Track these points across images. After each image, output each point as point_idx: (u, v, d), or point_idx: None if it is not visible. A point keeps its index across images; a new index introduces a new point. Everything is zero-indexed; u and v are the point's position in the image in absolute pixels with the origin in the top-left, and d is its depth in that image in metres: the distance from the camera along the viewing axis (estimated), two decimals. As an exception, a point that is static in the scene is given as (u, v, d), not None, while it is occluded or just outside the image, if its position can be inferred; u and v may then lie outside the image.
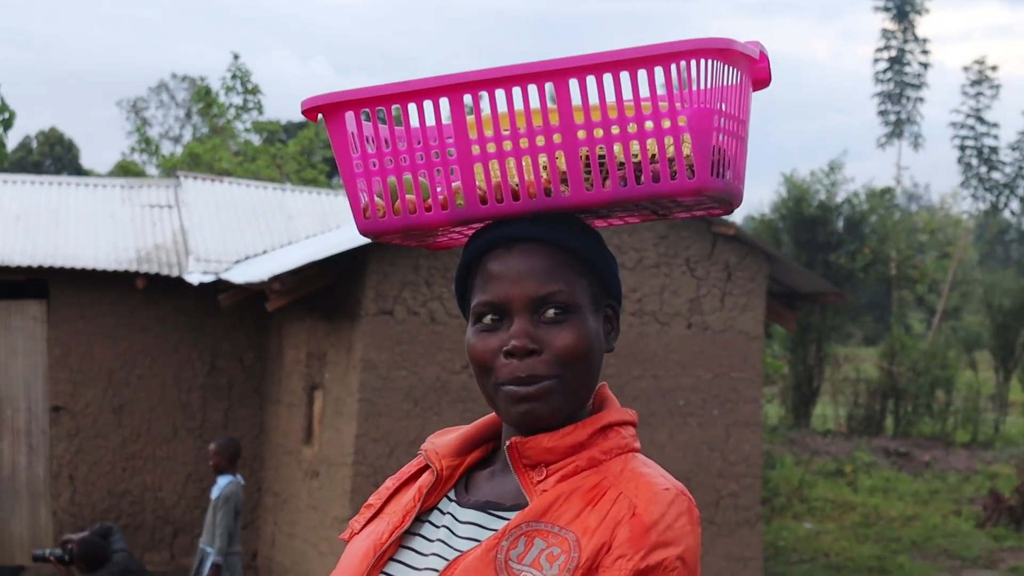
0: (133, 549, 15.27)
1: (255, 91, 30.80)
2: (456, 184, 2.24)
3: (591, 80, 2.14)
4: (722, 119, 2.17)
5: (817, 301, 16.10)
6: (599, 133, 2.16)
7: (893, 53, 59.18)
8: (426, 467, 2.31)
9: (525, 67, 2.16)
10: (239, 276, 14.45)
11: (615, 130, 2.15)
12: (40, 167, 54.71)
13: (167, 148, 51.38)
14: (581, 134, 2.16)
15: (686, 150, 2.13)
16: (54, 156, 57.62)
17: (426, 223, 2.26)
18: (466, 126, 2.22)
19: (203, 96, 30.99)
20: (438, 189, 2.27)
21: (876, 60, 59.99)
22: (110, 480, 15.64)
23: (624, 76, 2.13)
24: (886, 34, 59.21)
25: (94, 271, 15.24)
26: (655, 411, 13.19)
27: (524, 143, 2.19)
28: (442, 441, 2.32)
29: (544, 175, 2.19)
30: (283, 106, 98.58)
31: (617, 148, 2.16)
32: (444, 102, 2.22)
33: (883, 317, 40.23)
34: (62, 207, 17.14)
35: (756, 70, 2.27)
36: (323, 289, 13.14)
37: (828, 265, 27.24)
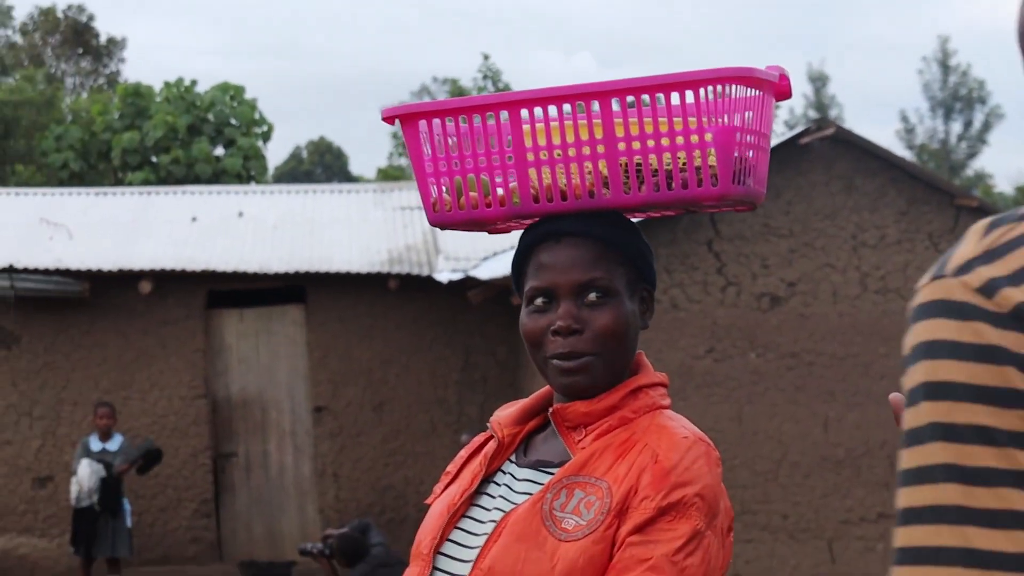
0: (397, 542, 15.63)
1: (506, 90, 31.21)
2: (513, 184, 2.56)
3: (631, 100, 2.48)
4: (745, 135, 2.50)
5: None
6: (637, 145, 2.48)
7: None
8: (492, 436, 2.62)
9: (574, 88, 2.52)
10: (486, 272, 14.69)
11: (651, 143, 2.49)
12: (311, 176, 56.14)
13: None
14: (621, 146, 2.49)
15: (711, 161, 2.46)
16: (324, 164, 59.06)
17: (486, 217, 2.61)
18: (523, 135, 2.54)
19: (457, 97, 31.54)
20: (498, 189, 2.58)
21: None
22: (372, 476, 16.06)
23: (660, 97, 2.52)
24: None
25: (348, 274, 15.68)
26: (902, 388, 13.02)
27: (572, 152, 2.52)
28: (505, 413, 2.63)
29: (588, 179, 2.50)
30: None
31: (652, 159, 2.48)
32: (504, 114, 2.56)
33: None
34: (316, 215, 17.69)
35: (779, 88, 2.59)
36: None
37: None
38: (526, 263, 2.56)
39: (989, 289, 1.30)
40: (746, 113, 2.50)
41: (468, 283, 15.26)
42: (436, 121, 2.59)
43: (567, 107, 2.52)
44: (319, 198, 18.77)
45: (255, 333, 16.18)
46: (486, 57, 31.17)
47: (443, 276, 15.45)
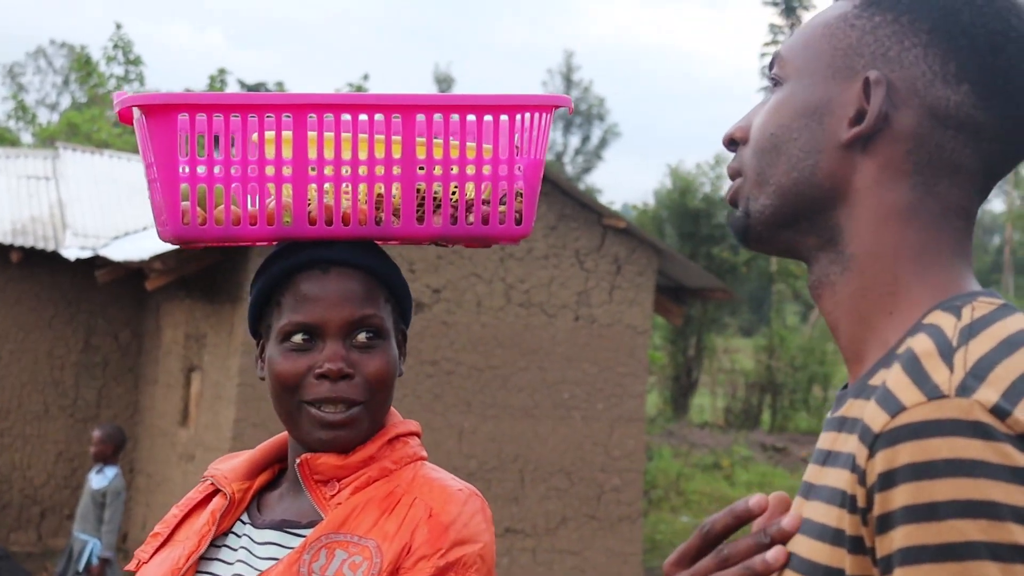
0: (-1, 529, 14.89)
1: (137, 62, 30.20)
2: (287, 200, 2.22)
3: (438, 118, 2.25)
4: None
5: (704, 296, 16.03)
6: (439, 171, 2.22)
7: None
8: (214, 493, 2.34)
9: (373, 97, 2.22)
10: (118, 253, 14.11)
11: (454, 170, 2.21)
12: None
13: (43, 115, 50.31)
14: (421, 170, 2.21)
15: (518, 199, 2.25)
16: (-74, 119, 56.34)
17: (248, 236, 2.24)
18: (307, 144, 2.21)
19: (83, 65, 30.36)
20: (269, 203, 2.25)
21: (763, 55, 60.37)
22: (-23, 458, 15.22)
23: (471, 119, 2.22)
24: (773, 29, 59.55)
25: (-34, 242, 14.80)
26: (539, 403, 13.05)
27: (363, 170, 2.22)
28: (228, 466, 2.35)
29: (378, 204, 2.24)
30: (173, 77, 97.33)
31: (453, 187, 2.23)
32: (287, 118, 2.20)
33: (759, 308, 40.45)
34: (-67, 175, 16.63)
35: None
36: (204, 270, 12.84)
37: (711, 258, 27.26)
38: (279, 292, 2.25)
39: (1000, 411, 1.33)
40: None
41: (96, 262, 14.64)
42: (200, 117, 2.20)
43: (364, 117, 2.22)
44: (-65, 158, 17.67)
45: None
46: (119, 26, 30.02)
47: (70, 253, 14.77)
